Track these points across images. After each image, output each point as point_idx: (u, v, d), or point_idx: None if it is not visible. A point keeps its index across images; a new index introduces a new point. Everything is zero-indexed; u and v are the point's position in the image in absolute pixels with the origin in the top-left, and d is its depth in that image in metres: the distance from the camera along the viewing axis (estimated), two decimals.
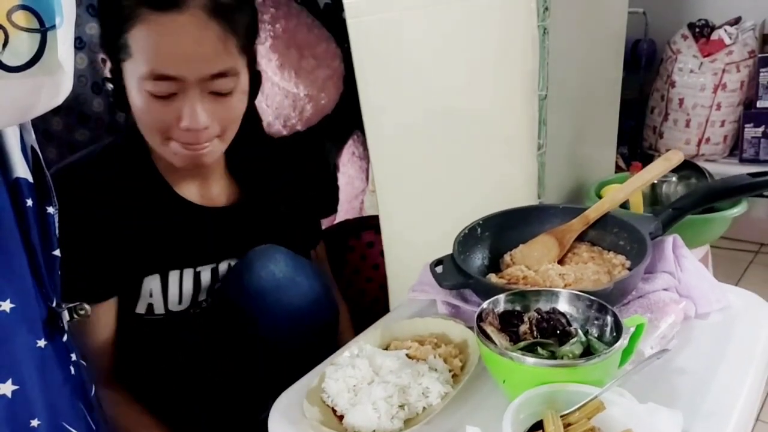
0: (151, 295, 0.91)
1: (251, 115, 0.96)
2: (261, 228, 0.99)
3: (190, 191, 0.94)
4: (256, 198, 1.00)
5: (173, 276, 0.92)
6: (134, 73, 0.78)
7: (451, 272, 0.85)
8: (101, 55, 0.84)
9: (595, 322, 0.70)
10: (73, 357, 0.64)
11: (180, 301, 0.94)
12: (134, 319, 0.91)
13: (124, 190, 0.87)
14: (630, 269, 0.84)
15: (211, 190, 0.96)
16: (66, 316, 0.62)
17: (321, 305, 0.94)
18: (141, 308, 0.91)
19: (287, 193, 1.05)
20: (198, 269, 0.94)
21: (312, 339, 0.94)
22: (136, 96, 0.80)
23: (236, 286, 0.93)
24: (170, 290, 0.92)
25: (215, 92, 0.82)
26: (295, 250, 0.97)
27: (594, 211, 0.94)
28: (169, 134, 0.83)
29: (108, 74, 0.84)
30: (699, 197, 0.98)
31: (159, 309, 0.92)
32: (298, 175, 1.09)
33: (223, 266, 0.97)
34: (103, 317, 0.87)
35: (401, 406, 0.68)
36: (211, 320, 0.99)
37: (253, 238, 0.97)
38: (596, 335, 0.69)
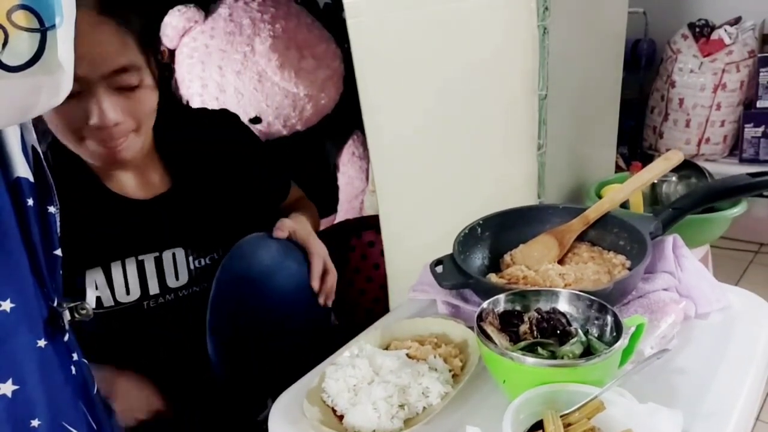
0: (96, 288, 0.93)
1: (171, 101, 0.97)
2: (201, 212, 1.01)
3: (120, 183, 0.95)
4: (191, 182, 1.01)
5: (116, 267, 0.94)
6: None
7: (451, 272, 0.85)
8: None
9: (595, 322, 0.70)
10: (75, 357, 0.64)
11: (128, 292, 0.95)
12: None
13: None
14: (630, 269, 0.84)
15: (145, 180, 0.98)
16: (67, 315, 0.61)
17: (310, 289, 0.96)
18: (90, 301, 0.92)
19: (226, 171, 1.05)
20: (140, 258, 0.95)
21: (303, 325, 0.96)
22: None
23: (227, 274, 0.94)
24: (115, 281, 0.94)
25: (121, 87, 0.83)
26: (256, 221, 1.00)
27: (594, 211, 0.94)
28: (82, 133, 0.84)
29: None
30: (699, 197, 0.98)
31: (108, 301, 0.94)
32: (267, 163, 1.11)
33: (167, 255, 0.98)
34: None
35: (401, 406, 0.68)
36: (181, 313, 1.00)
37: (196, 223, 1.00)
38: (596, 335, 0.69)
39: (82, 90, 0.80)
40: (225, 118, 1.10)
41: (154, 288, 0.98)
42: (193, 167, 1.01)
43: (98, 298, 0.93)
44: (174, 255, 0.99)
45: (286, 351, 0.95)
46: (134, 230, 0.95)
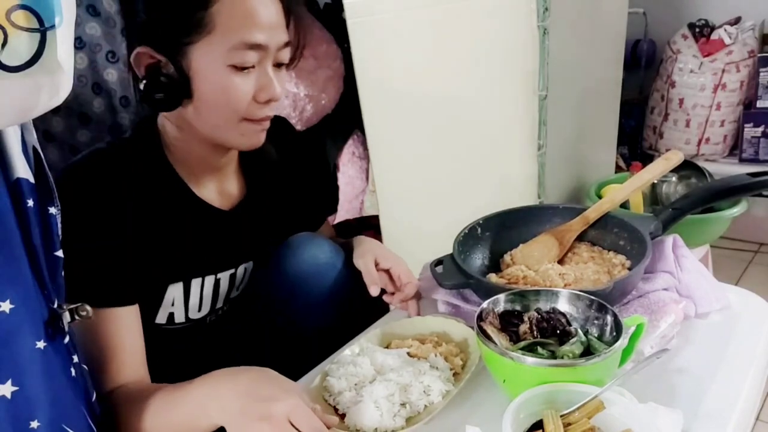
0: (172, 304, 0.88)
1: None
2: (272, 226, 0.99)
3: (207, 192, 0.89)
4: (262, 191, 0.97)
5: (195, 283, 0.89)
6: (214, 49, 0.75)
7: (451, 272, 0.86)
8: (141, 50, 0.77)
9: (595, 321, 0.70)
10: (75, 359, 0.64)
11: (200, 309, 0.92)
12: (152, 330, 0.86)
13: (143, 192, 0.81)
14: (630, 269, 0.84)
15: (225, 189, 0.93)
16: (67, 317, 0.61)
17: (354, 291, 0.94)
18: (161, 318, 0.88)
19: (292, 186, 1.02)
20: (218, 276, 0.92)
21: (338, 323, 0.94)
22: (215, 74, 0.76)
23: (278, 270, 0.92)
24: (191, 298, 0.90)
25: (278, 64, 0.81)
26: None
27: (594, 211, 0.94)
28: (246, 113, 0.80)
29: (143, 72, 0.78)
30: (699, 197, 0.98)
31: (180, 318, 0.90)
32: (300, 171, 1.06)
33: (240, 270, 0.95)
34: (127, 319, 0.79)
35: (403, 404, 0.69)
36: (227, 324, 0.98)
37: (267, 238, 0.96)
38: (596, 335, 0.69)
39: (260, 61, 0.77)
40: (282, 124, 1.03)
41: (220, 302, 0.95)
42: (264, 175, 0.97)
43: (171, 314, 0.89)
44: (245, 269, 0.96)
45: (314, 350, 0.92)
46: (218, 243, 0.90)
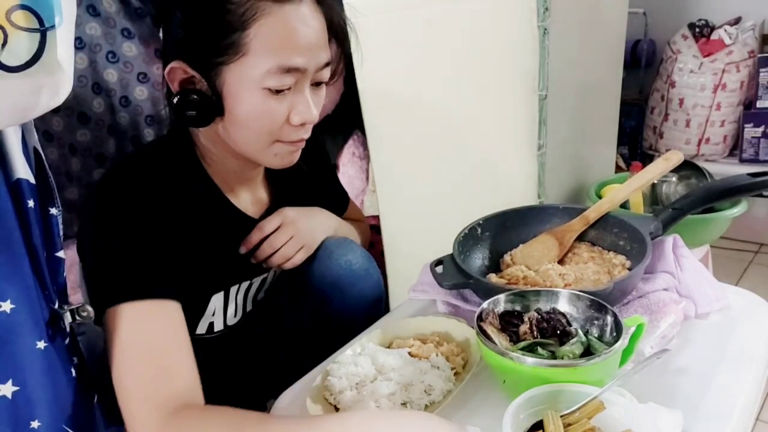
0: (213, 314, 0.88)
1: None
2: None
3: (241, 201, 0.89)
4: (286, 197, 0.96)
5: (233, 290, 0.89)
6: (249, 72, 0.72)
7: (451, 272, 0.86)
8: (176, 65, 0.75)
9: (595, 322, 0.70)
10: (75, 359, 0.64)
11: (235, 314, 0.92)
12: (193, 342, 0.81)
13: (185, 200, 0.79)
14: (630, 269, 0.84)
15: (255, 198, 0.92)
16: (68, 317, 0.61)
17: (382, 297, 0.96)
18: (202, 329, 0.88)
19: (312, 187, 1.01)
20: (253, 280, 0.92)
21: (363, 328, 0.93)
22: (249, 96, 0.73)
23: (313, 273, 0.92)
24: (230, 306, 0.89)
25: (316, 83, 0.79)
26: None
27: (594, 211, 0.94)
28: (279, 135, 0.78)
29: (176, 87, 0.76)
30: (699, 197, 0.98)
31: (219, 326, 0.90)
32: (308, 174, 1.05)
33: (270, 274, 0.95)
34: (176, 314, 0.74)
35: (404, 404, 0.69)
36: (254, 326, 0.97)
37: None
38: (596, 335, 0.69)
39: (296, 82, 0.75)
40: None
41: (250, 305, 0.95)
42: (287, 180, 0.96)
43: (211, 324, 0.88)
44: (275, 272, 0.96)
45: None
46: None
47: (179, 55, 0.75)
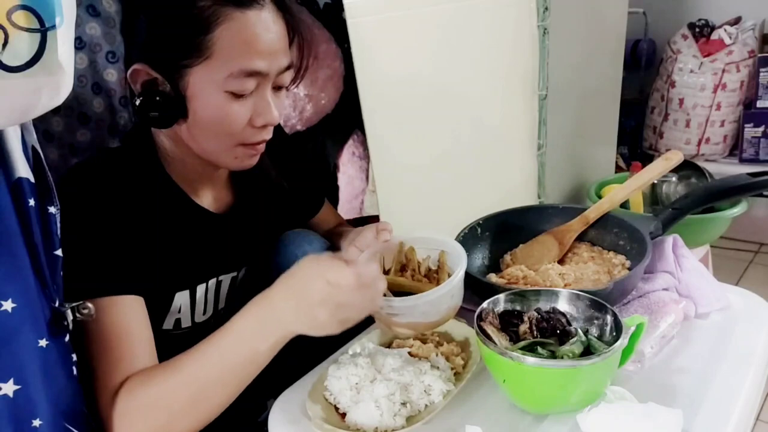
0: (179, 311, 0.88)
1: None
2: (266, 226, 0.99)
3: (203, 198, 0.90)
4: (250, 195, 0.97)
5: (200, 289, 0.90)
6: (212, 74, 0.74)
7: None
8: (139, 67, 0.76)
9: (595, 321, 0.70)
10: (75, 357, 0.64)
11: (204, 312, 0.92)
12: (159, 337, 0.83)
13: (143, 199, 0.81)
14: (630, 269, 0.84)
15: (219, 196, 0.93)
16: (69, 315, 0.61)
17: None
18: (168, 324, 0.88)
19: (275, 182, 1.02)
20: (220, 278, 0.93)
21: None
22: (212, 99, 0.76)
23: (271, 265, 0.93)
24: (197, 304, 0.90)
25: (277, 87, 0.81)
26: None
27: (594, 211, 0.94)
28: (241, 137, 0.80)
29: (138, 88, 0.78)
30: (699, 197, 0.98)
31: (186, 323, 0.90)
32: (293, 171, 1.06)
33: (241, 273, 0.96)
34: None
35: (403, 404, 0.69)
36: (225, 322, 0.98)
37: (265, 238, 0.97)
38: (596, 335, 0.69)
39: (258, 85, 0.77)
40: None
41: (222, 303, 0.95)
42: (252, 180, 0.96)
43: (177, 320, 0.89)
44: (245, 270, 0.97)
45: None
46: (219, 247, 0.91)
47: (142, 58, 0.76)
